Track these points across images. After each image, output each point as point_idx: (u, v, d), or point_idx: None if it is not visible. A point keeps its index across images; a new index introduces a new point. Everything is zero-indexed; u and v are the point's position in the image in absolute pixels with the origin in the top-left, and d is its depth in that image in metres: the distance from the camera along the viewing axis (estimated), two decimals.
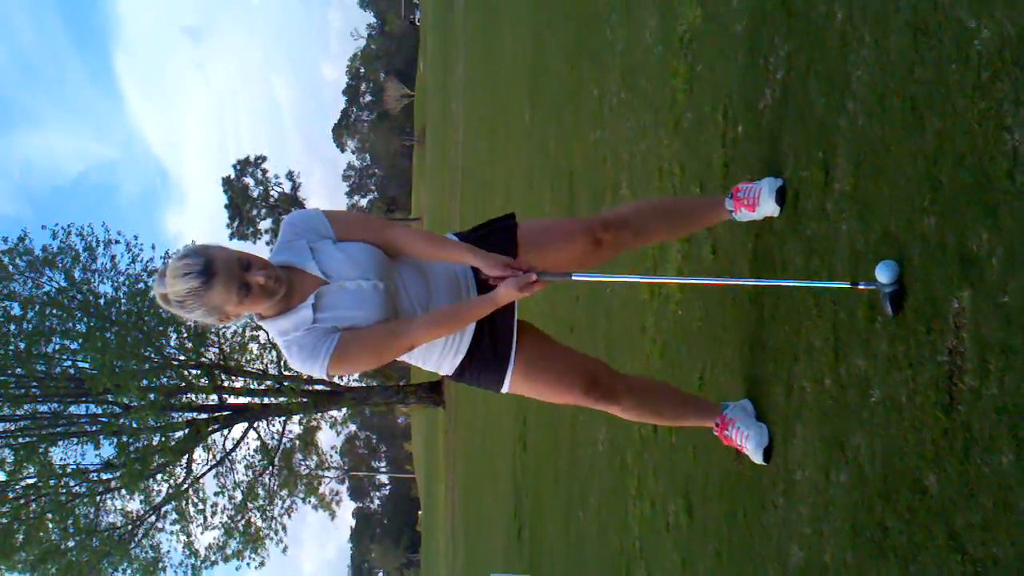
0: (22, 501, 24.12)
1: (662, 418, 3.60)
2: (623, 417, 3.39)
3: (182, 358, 25.83)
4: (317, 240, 2.94)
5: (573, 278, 2.89)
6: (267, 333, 3.22)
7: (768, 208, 3.25)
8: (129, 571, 26.30)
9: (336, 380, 29.49)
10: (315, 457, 31.60)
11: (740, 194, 3.32)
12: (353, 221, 3.02)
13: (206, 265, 2.69)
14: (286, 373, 27.05)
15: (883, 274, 2.39)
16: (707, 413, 3.42)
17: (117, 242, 24.71)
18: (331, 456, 34.56)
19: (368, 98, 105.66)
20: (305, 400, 27.35)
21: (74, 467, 24.77)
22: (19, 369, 23.36)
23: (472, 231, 3.25)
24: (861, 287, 2.51)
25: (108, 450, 24.89)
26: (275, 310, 2.90)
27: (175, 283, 2.71)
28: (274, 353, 26.89)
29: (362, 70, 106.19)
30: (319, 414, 29.85)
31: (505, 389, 3.22)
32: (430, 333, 2.90)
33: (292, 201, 70.06)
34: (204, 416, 26.68)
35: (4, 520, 23.11)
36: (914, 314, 2.32)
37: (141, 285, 24.57)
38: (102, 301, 24.25)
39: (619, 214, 3.31)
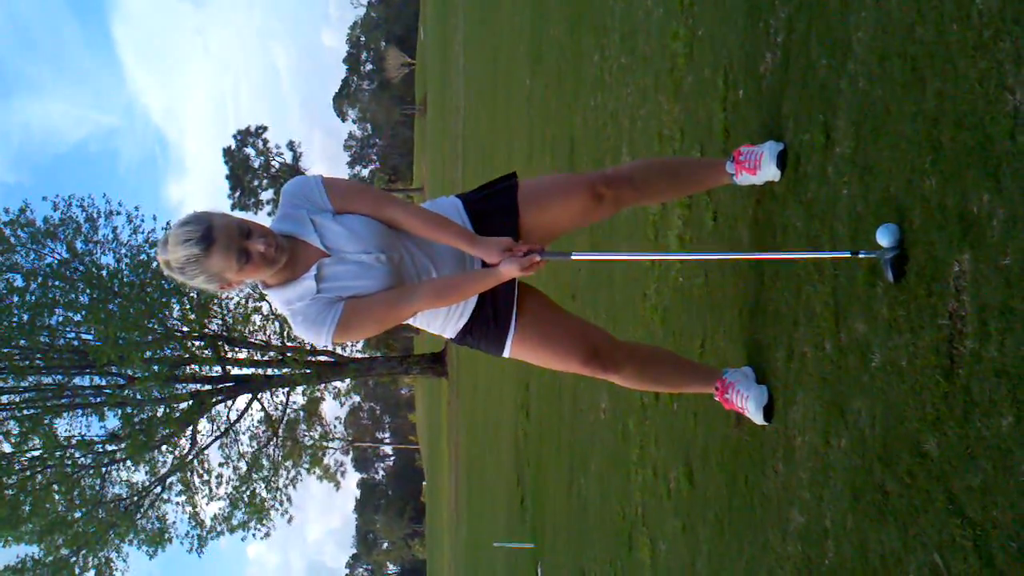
0: (28, 473, 24.26)
1: (663, 385, 3.63)
2: (623, 385, 3.39)
3: (185, 329, 25.88)
4: (317, 212, 2.93)
5: (572, 257, 2.93)
6: (271, 303, 3.25)
7: (769, 172, 3.22)
8: (135, 542, 26.50)
9: (340, 349, 29.58)
10: (319, 428, 31.74)
11: (742, 157, 3.30)
12: (353, 193, 2.99)
13: (206, 232, 2.70)
14: (289, 344, 27.11)
15: (884, 237, 2.37)
16: (707, 379, 3.42)
17: (118, 213, 24.72)
18: (335, 427, 34.71)
19: (369, 67, 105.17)
20: (308, 371, 27.42)
21: (79, 439, 24.89)
22: (23, 341, 23.43)
23: (475, 191, 3.24)
24: (862, 256, 2.49)
25: (113, 422, 25.01)
26: (279, 279, 2.91)
27: (176, 249, 2.72)
28: (277, 324, 26.94)
29: (362, 38, 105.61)
30: (323, 385, 29.95)
31: (506, 354, 3.24)
32: (433, 303, 2.92)
33: (293, 171, 69.91)
34: (208, 387, 26.78)
35: (11, 492, 23.25)
36: (915, 277, 2.31)
37: (143, 256, 24.58)
38: (104, 273, 24.26)
39: (620, 170, 3.29)
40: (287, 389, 28.68)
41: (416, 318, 3.12)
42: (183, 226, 2.73)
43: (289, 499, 29.51)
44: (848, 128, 2.74)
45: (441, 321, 3.18)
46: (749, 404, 3.22)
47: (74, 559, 25.60)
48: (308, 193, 2.94)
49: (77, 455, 25.37)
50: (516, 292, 3.16)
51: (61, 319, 24.03)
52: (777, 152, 3.20)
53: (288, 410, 29.44)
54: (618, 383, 3.37)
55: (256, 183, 67.84)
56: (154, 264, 24.33)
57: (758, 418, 3.21)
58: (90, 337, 23.66)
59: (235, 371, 27.68)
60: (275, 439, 29.02)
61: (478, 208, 3.16)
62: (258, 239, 2.77)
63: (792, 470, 2.98)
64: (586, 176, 3.22)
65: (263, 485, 28.80)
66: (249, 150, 67.14)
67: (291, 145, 71.71)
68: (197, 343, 26.25)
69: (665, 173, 3.45)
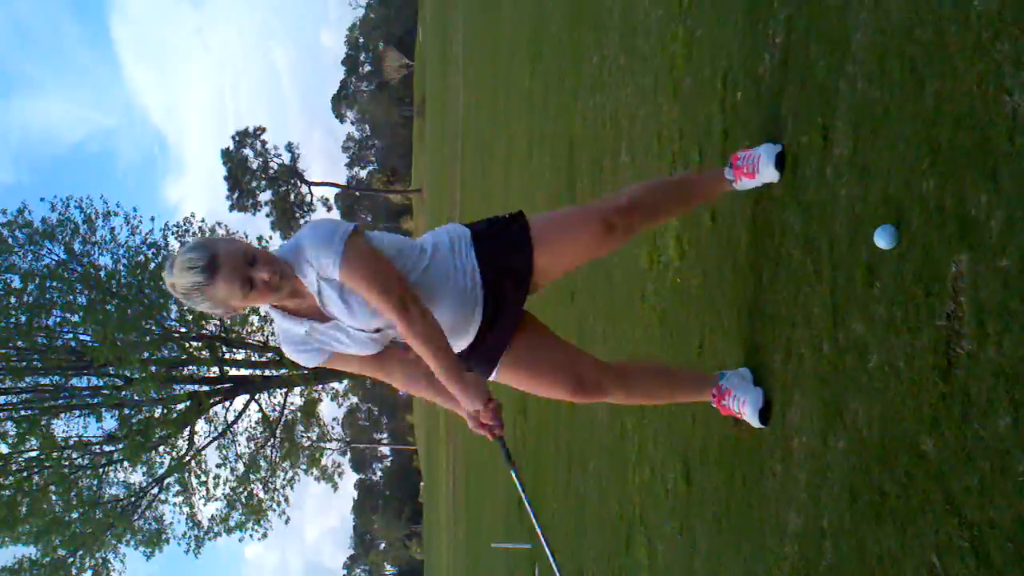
0: (25, 474, 24.25)
1: (655, 399, 3.68)
2: (616, 404, 3.45)
3: (183, 330, 25.88)
4: (325, 278, 2.91)
5: (512, 472, 3.44)
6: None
7: (768, 175, 3.22)
8: (132, 542, 26.50)
9: None
10: (316, 429, 31.75)
11: (739, 162, 3.30)
12: (363, 284, 2.89)
13: (210, 261, 2.72)
14: None
15: (882, 239, 2.37)
16: (702, 386, 3.43)
17: (116, 214, 24.74)
18: (332, 428, 34.73)
19: (367, 68, 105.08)
20: (306, 372, 27.40)
21: (76, 439, 24.89)
22: (20, 342, 23.43)
23: (483, 224, 3.25)
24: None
25: (110, 422, 25.04)
26: (281, 300, 2.95)
27: (181, 275, 2.75)
28: (275, 325, 26.89)
29: (361, 40, 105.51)
30: (320, 386, 29.95)
31: (492, 379, 3.32)
32: (423, 355, 2.99)
33: (292, 172, 69.88)
34: (205, 388, 26.78)
35: (7, 492, 23.24)
36: (913, 278, 2.31)
37: (141, 257, 24.60)
38: (102, 273, 24.29)
39: (630, 198, 3.24)
40: (285, 390, 28.67)
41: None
42: (188, 252, 2.75)
43: (286, 500, 29.54)
44: (847, 129, 2.74)
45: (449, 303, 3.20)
46: (746, 409, 3.23)
47: (71, 560, 25.59)
48: (322, 259, 2.87)
49: (74, 456, 25.37)
50: (510, 336, 3.23)
51: (59, 320, 24.08)
52: (775, 154, 3.20)
53: (286, 411, 29.44)
54: (610, 403, 3.42)
55: (254, 184, 67.72)
56: (152, 265, 24.37)
57: (755, 421, 3.21)
58: (87, 338, 23.66)
59: (233, 372, 27.72)
60: (273, 440, 29.02)
61: (488, 246, 3.14)
62: (263, 267, 2.78)
63: (790, 471, 2.98)
64: (596, 209, 3.20)
65: (260, 486, 28.81)
66: (247, 151, 67.02)
67: (289, 146, 71.64)
68: (195, 344, 26.25)
69: (670, 192, 3.44)
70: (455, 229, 3.19)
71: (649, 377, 3.45)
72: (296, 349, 3.05)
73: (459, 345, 3.17)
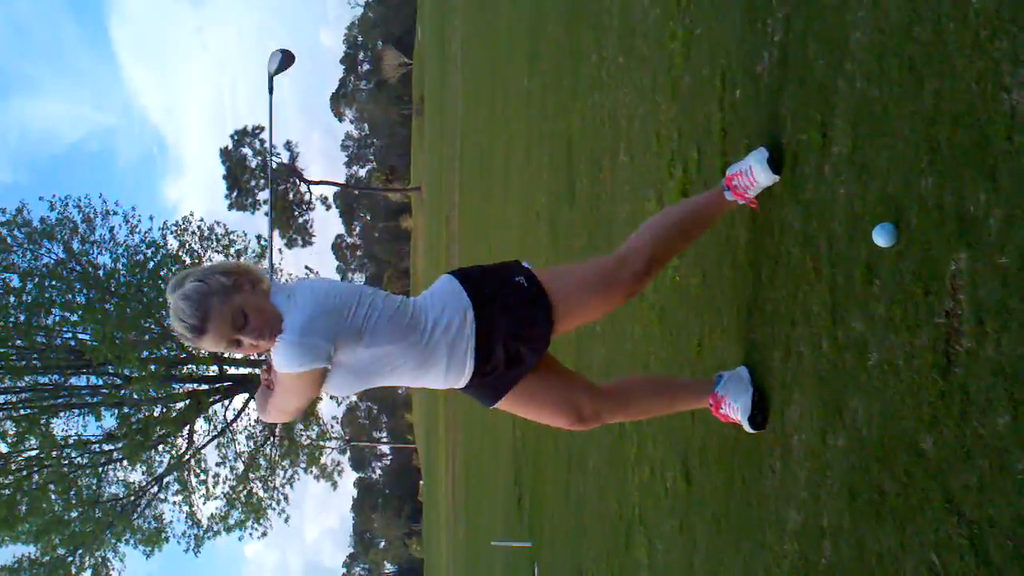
0: (25, 473, 24.24)
1: (653, 414, 3.67)
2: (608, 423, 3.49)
3: None
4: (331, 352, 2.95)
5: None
6: None
7: (765, 179, 3.21)
8: (132, 541, 26.49)
9: None
10: (316, 428, 31.74)
11: (734, 182, 3.28)
12: (279, 390, 3.07)
13: (200, 323, 2.83)
14: None
15: (881, 237, 2.37)
16: (699, 394, 3.43)
17: (115, 213, 24.74)
18: (332, 427, 34.70)
19: (366, 67, 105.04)
20: None
21: (76, 438, 24.88)
22: (20, 341, 23.42)
23: (477, 271, 3.23)
24: None
25: (109, 421, 25.03)
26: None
27: (173, 319, 2.87)
28: None
29: (360, 39, 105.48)
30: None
31: (494, 407, 3.37)
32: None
33: (291, 171, 69.86)
34: (205, 387, 26.78)
35: (7, 492, 23.24)
36: (912, 276, 2.31)
37: (140, 256, 24.59)
38: (101, 272, 24.29)
39: (645, 259, 3.22)
40: None
41: (403, 380, 3.19)
42: (183, 301, 2.83)
43: (286, 498, 29.54)
44: (845, 127, 2.74)
45: (432, 380, 3.20)
46: (741, 416, 3.26)
47: (71, 559, 25.60)
48: (330, 335, 2.93)
49: (74, 455, 25.38)
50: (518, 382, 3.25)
51: (58, 319, 24.08)
52: (765, 159, 3.18)
53: None
54: (606, 423, 3.47)
55: (253, 183, 67.67)
56: (150, 264, 24.38)
57: (748, 428, 3.23)
58: (87, 337, 23.65)
59: (232, 371, 27.69)
60: (272, 439, 29.02)
61: (503, 321, 3.10)
62: (251, 332, 2.87)
63: (789, 469, 2.98)
64: (618, 281, 3.17)
65: (260, 484, 28.82)
66: (246, 150, 66.99)
67: (288, 145, 71.65)
68: None
69: (682, 232, 3.38)
70: (454, 289, 3.14)
71: (646, 395, 3.45)
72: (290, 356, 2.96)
73: (463, 374, 3.16)
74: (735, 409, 3.26)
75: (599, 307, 3.29)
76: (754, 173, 3.21)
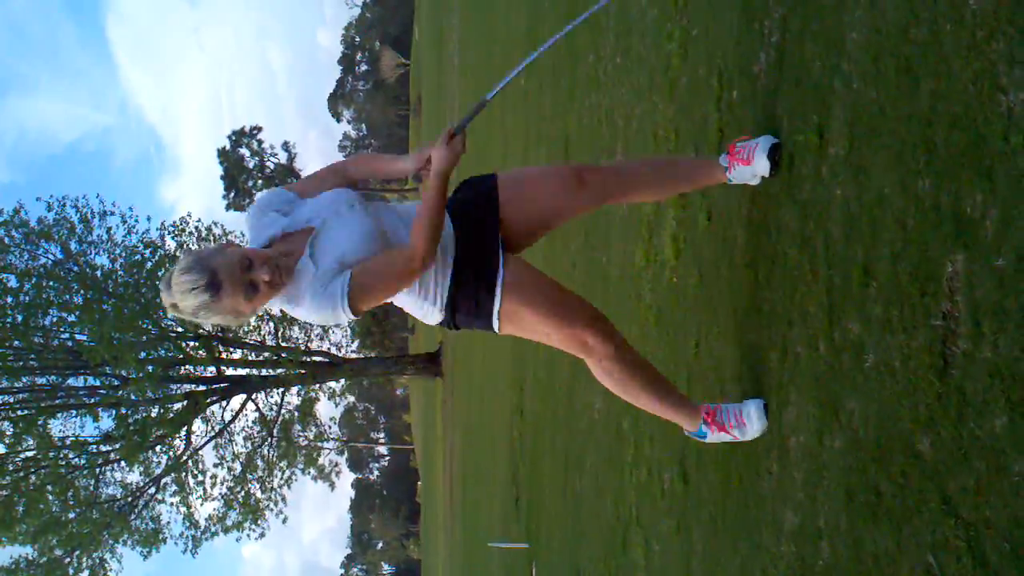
0: (22, 474, 24.19)
1: (650, 392, 3.28)
2: (606, 370, 3.20)
3: (179, 330, 25.81)
4: (284, 205, 3.02)
5: (488, 98, 3.02)
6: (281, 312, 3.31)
7: (761, 165, 3.19)
8: (130, 542, 26.45)
9: (335, 350, 29.52)
10: (314, 428, 31.68)
11: (737, 149, 3.28)
12: (308, 180, 3.13)
13: (211, 279, 2.72)
14: (284, 344, 27.07)
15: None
16: (687, 411, 3.30)
17: (112, 213, 24.69)
18: (330, 427, 34.63)
19: (363, 67, 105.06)
20: (303, 371, 27.39)
21: (73, 439, 24.84)
22: (17, 342, 23.37)
23: (454, 194, 3.24)
24: None
25: (107, 422, 24.96)
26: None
27: (184, 299, 2.75)
28: (271, 324, 26.90)
29: (357, 39, 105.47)
30: (317, 385, 29.90)
31: (496, 325, 3.09)
32: (424, 232, 2.85)
33: (288, 172, 69.77)
34: (202, 388, 26.74)
35: (4, 492, 23.19)
36: (908, 278, 2.31)
37: (137, 257, 24.56)
38: (99, 273, 24.24)
39: (609, 163, 3.29)
40: (282, 389, 28.63)
41: (405, 302, 3.12)
42: (186, 274, 2.74)
43: (284, 499, 29.48)
44: (842, 128, 2.74)
45: (420, 304, 3.11)
46: (757, 155, 3.23)
47: (68, 560, 25.54)
48: (271, 197, 3.06)
49: (71, 456, 25.31)
50: (500, 248, 3.08)
51: (55, 319, 24.00)
52: (770, 145, 3.18)
53: (283, 410, 29.39)
54: (605, 366, 3.19)
55: (251, 183, 67.61)
56: (148, 265, 24.37)
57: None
58: (84, 337, 23.59)
59: (230, 371, 27.65)
60: (270, 439, 28.98)
61: (456, 196, 3.19)
62: (260, 268, 2.79)
63: (786, 470, 2.98)
64: (571, 163, 3.24)
65: (258, 485, 28.77)
66: (243, 150, 66.88)
67: (286, 145, 71.55)
68: (191, 343, 26.20)
69: (654, 167, 3.45)
70: None
71: (648, 369, 3.29)
72: (318, 295, 2.87)
73: (443, 288, 3.08)
74: (736, 417, 3.23)
75: (542, 173, 3.27)
76: (756, 152, 3.20)
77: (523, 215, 3.15)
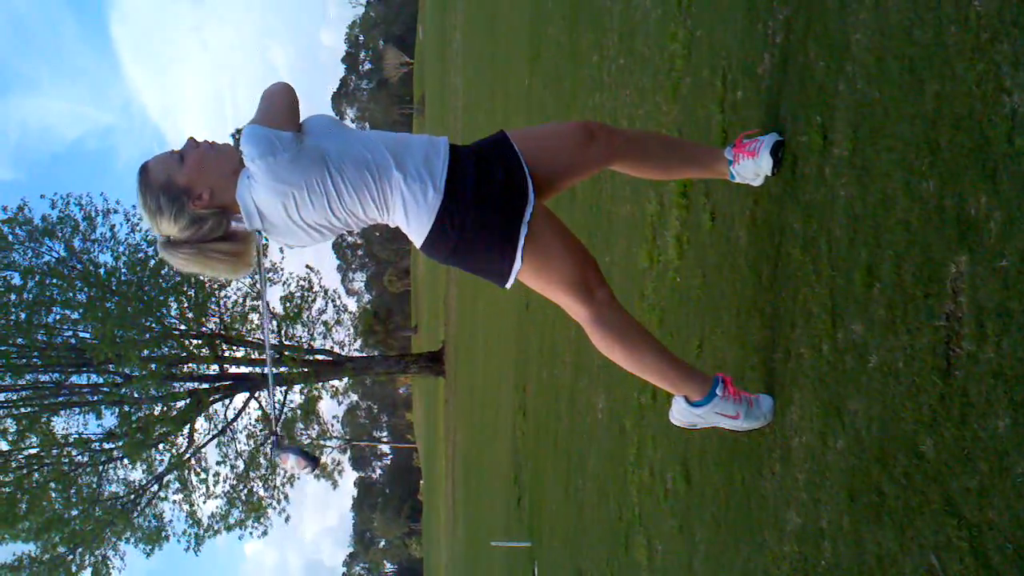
0: (25, 471, 24.22)
1: (649, 360, 3.06)
2: (601, 331, 3.00)
3: (183, 328, 25.85)
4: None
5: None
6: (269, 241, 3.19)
7: (764, 161, 3.19)
8: (132, 540, 26.46)
9: (338, 348, 29.49)
10: (316, 427, 31.67)
11: (744, 141, 3.27)
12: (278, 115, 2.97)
13: (140, 168, 2.91)
14: (287, 343, 27.08)
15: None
16: (693, 382, 3.12)
17: (116, 211, 24.71)
18: (332, 426, 34.63)
19: (367, 66, 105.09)
20: (306, 370, 27.39)
21: (76, 437, 24.86)
22: (20, 339, 23.40)
23: (471, 146, 3.08)
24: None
25: (110, 420, 24.98)
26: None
27: (149, 219, 2.90)
28: (274, 323, 26.89)
29: (361, 38, 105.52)
30: (320, 384, 29.90)
31: (516, 263, 2.90)
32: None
33: None
34: (205, 386, 26.75)
35: (7, 490, 23.22)
36: (912, 279, 2.31)
37: (141, 255, 24.57)
38: (102, 271, 24.25)
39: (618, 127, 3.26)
40: (285, 388, 28.63)
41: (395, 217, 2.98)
42: (140, 198, 2.90)
43: (286, 497, 29.48)
44: (846, 130, 2.74)
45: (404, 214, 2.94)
46: (762, 149, 3.22)
47: (71, 557, 25.56)
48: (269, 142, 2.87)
49: (74, 453, 25.33)
50: (529, 180, 2.93)
51: (58, 317, 24.03)
52: (774, 141, 3.18)
53: (286, 408, 29.40)
54: (604, 315, 3.00)
55: None
56: (152, 263, 24.38)
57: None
58: (87, 335, 23.62)
59: (233, 369, 27.66)
60: (273, 438, 28.97)
61: (469, 150, 3.02)
62: (192, 149, 2.92)
63: (789, 471, 2.98)
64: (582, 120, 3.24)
65: (260, 483, 28.77)
66: None
67: None
68: (195, 341, 26.23)
69: (662, 141, 3.44)
70: (439, 140, 3.05)
71: (647, 337, 3.14)
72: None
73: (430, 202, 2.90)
74: (759, 147, 3.22)
75: (553, 125, 3.33)
76: (762, 147, 3.20)
77: (532, 165, 2.98)
